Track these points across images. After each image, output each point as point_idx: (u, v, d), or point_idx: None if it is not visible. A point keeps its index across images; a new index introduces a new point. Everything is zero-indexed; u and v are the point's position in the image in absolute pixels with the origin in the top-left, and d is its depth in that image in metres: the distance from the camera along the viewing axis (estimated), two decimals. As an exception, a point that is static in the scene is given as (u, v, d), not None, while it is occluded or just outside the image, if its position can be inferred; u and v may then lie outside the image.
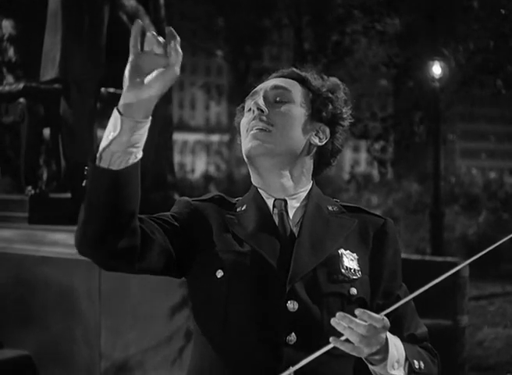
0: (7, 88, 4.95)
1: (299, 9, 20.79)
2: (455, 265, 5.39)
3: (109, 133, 1.60)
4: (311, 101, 1.91)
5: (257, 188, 1.91)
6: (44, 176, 5.19)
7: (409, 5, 15.64)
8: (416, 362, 1.77)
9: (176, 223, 1.84)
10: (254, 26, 21.02)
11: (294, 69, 1.99)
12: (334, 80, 1.99)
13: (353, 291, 1.80)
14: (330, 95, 1.93)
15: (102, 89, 4.92)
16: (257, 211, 1.87)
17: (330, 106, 1.92)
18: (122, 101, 1.61)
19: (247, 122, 1.88)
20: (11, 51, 5.38)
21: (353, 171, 20.47)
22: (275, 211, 1.87)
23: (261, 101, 1.86)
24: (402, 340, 1.79)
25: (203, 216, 1.88)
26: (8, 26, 5.37)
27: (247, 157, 1.87)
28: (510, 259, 12.63)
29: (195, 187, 21.06)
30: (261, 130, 1.84)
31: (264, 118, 1.85)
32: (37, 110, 4.81)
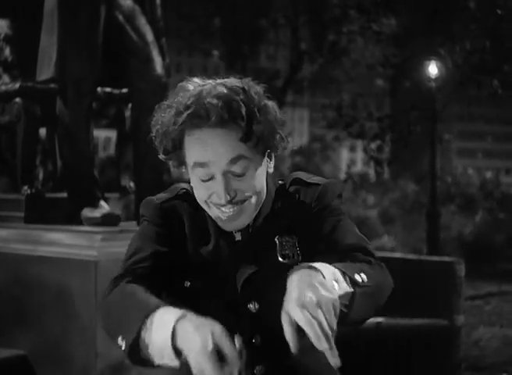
0: (3, 88, 4.95)
1: (296, 9, 20.80)
2: (451, 264, 5.40)
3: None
4: (256, 144, 1.77)
5: None
6: (41, 175, 5.19)
7: (406, 6, 15.66)
8: (357, 275, 1.62)
9: (157, 256, 1.81)
10: (251, 26, 21.02)
11: (236, 114, 1.71)
12: (258, 100, 1.75)
13: None
14: (270, 125, 1.77)
15: (99, 89, 4.92)
16: (213, 220, 1.85)
17: (275, 135, 1.80)
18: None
19: (205, 194, 1.78)
20: (7, 51, 5.38)
21: (350, 171, 20.54)
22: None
23: (227, 191, 1.73)
24: (337, 252, 1.73)
25: (174, 221, 1.86)
26: (3, 25, 5.37)
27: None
28: (506, 259, 12.66)
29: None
30: (235, 210, 1.77)
31: (235, 199, 1.76)
32: (34, 110, 4.80)
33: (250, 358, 1.72)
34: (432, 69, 14.21)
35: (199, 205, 1.85)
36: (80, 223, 4.57)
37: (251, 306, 1.77)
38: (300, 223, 1.83)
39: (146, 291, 1.64)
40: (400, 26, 16.17)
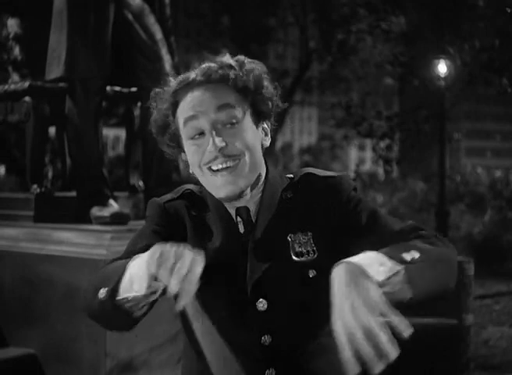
0: (12, 87, 4.96)
1: (304, 8, 20.80)
2: (460, 264, 5.39)
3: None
4: (250, 105, 1.82)
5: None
6: (50, 174, 5.21)
7: (414, 4, 15.63)
8: (406, 254, 1.58)
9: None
10: (260, 25, 21.04)
11: (213, 66, 1.81)
12: (251, 66, 1.84)
13: (312, 272, 1.77)
14: (263, 87, 1.83)
15: (108, 87, 4.93)
16: (219, 219, 1.84)
17: (268, 102, 1.84)
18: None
19: (198, 155, 1.80)
20: (16, 50, 5.39)
21: (359, 170, 20.47)
22: (239, 219, 1.84)
23: (217, 139, 1.76)
24: (387, 239, 1.69)
25: (178, 221, 1.87)
26: (13, 24, 5.38)
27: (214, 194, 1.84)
28: (515, 258, 12.61)
29: (200, 184, 21.06)
30: (228, 169, 1.77)
31: (226, 152, 1.76)
32: (43, 109, 4.81)
33: (259, 358, 1.72)
34: (441, 67, 14.17)
35: (203, 203, 1.86)
36: (89, 221, 4.58)
37: (260, 305, 1.76)
38: (316, 218, 1.81)
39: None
40: (409, 25, 16.14)
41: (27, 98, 4.81)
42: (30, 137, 4.82)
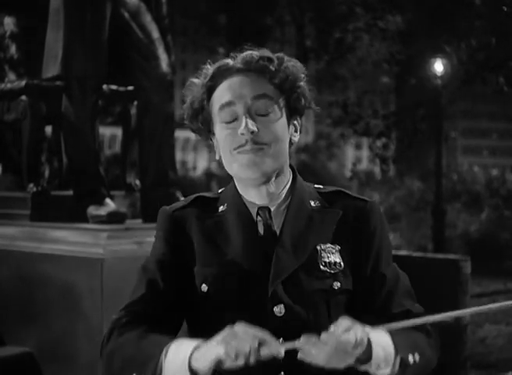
0: (9, 86, 4.95)
1: (301, 6, 20.79)
2: (457, 262, 5.39)
3: None
4: (284, 100, 1.85)
5: (238, 191, 1.89)
6: (46, 173, 5.19)
7: (411, 2, 15.62)
8: (411, 356, 1.70)
9: (171, 265, 1.85)
10: (256, 24, 21.01)
11: (255, 55, 1.84)
12: (290, 64, 1.87)
13: (337, 284, 1.79)
14: (300, 86, 1.86)
15: (104, 86, 4.92)
16: (239, 218, 1.85)
17: (302, 99, 1.87)
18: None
19: (230, 139, 1.82)
20: (13, 49, 5.38)
21: (355, 168, 20.45)
22: (259, 218, 1.84)
23: (250, 122, 1.78)
24: (394, 317, 1.74)
25: (185, 228, 1.87)
26: (10, 23, 5.37)
27: (239, 177, 1.86)
28: (512, 256, 12.62)
29: (197, 184, 21.05)
30: (255, 152, 1.79)
31: (256, 138, 1.79)
32: (39, 108, 4.80)
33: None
34: (438, 66, 14.17)
35: (217, 207, 1.88)
36: (85, 220, 4.58)
37: (277, 310, 1.76)
38: (344, 233, 1.84)
39: (153, 333, 1.70)
40: (406, 24, 16.13)
41: (24, 97, 4.80)
42: (26, 135, 4.81)
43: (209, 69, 1.88)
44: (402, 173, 20.49)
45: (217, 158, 1.89)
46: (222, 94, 1.83)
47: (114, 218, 4.50)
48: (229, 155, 1.83)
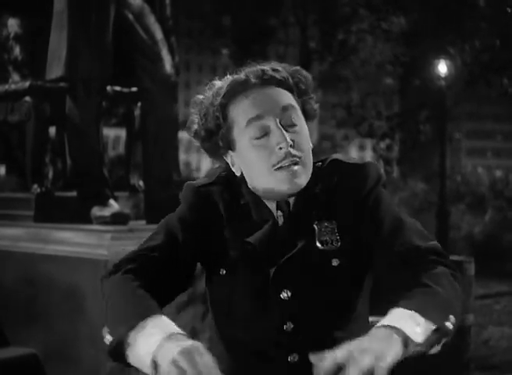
0: (13, 87, 4.96)
1: (305, 8, 20.80)
2: (461, 263, 5.39)
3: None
4: (301, 108, 1.84)
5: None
6: (50, 174, 5.20)
7: (415, 4, 15.63)
8: (447, 323, 1.57)
9: (185, 240, 1.82)
10: (260, 25, 21.02)
11: (272, 72, 1.82)
12: (296, 69, 1.87)
13: (335, 262, 1.77)
14: (310, 94, 1.87)
15: (108, 87, 4.93)
16: (258, 210, 1.84)
17: (314, 104, 1.88)
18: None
19: (266, 155, 1.77)
20: (17, 50, 5.39)
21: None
22: (280, 213, 1.82)
23: (286, 134, 1.75)
24: (403, 254, 1.71)
25: (209, 207, 1.85)
26: (14, 24, 5.38)
27: (270, 192, 1.80)
28: (516, 258, 12.60)
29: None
30: (292, 165, 1.76)
31: (293, 151, 1.76)
32: (43, 109, 4.81)
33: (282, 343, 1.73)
34: (442, 67, 14.17)
35: (239, 190, 1.85)
36: (89, 221, 4.58)
37: (284, 294, 1.75)
38: (341, 206, 1.81)
39: (146, 289, 1.67)
40: (410, 25, 16.14)
41: (28, 98, 4.81)
42: (30, 137, 4.81)
43: (219, 86, 1.83)
44: (406, 175, 20.45)
45: (237, 174, 1.84)
46: (247, 108, 1.78)
47: (118, 219, 4.51)
48: (266, 172, 1.77)
